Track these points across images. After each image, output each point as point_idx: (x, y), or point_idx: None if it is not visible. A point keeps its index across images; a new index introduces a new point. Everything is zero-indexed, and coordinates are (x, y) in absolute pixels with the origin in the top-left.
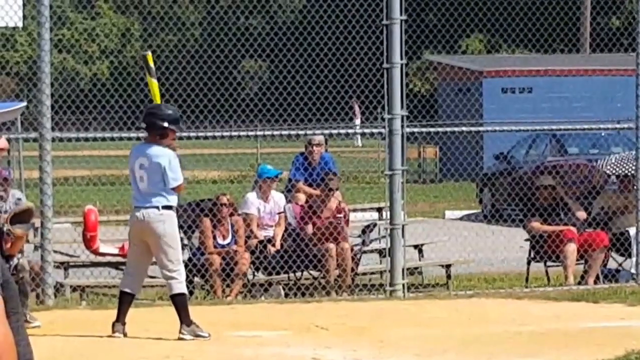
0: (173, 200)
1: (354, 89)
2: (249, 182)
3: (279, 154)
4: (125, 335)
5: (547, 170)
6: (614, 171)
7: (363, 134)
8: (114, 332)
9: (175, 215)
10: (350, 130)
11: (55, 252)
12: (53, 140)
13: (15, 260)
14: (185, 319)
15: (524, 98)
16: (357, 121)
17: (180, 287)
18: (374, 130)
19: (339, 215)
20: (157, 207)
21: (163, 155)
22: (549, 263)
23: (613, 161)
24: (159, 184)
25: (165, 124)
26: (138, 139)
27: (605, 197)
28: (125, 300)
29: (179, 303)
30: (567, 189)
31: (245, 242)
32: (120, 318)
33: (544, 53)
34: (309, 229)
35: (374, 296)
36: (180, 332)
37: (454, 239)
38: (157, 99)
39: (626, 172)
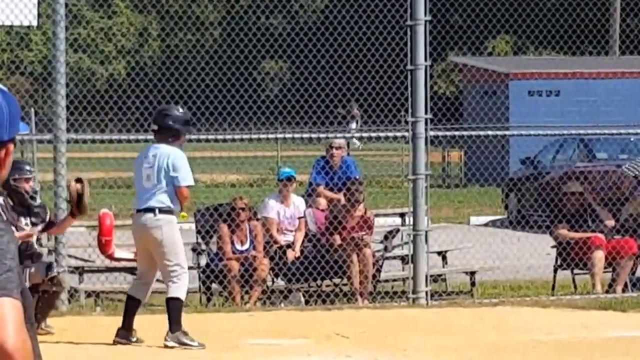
0: (175, 204)
1: (377, 90)
2: (268, 185)
3: (299, 157)
4: (138, 341)
5: (575, 176)
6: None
7: (386, 138)
8: (116, 338)
9: (174, 219)
10: (373, 134)
11: (69, 256)
12: (68, 142)
13: (54, 272)
14: (173, 325)
15: (551, 101)
16: (353, 125)
17: (177, 291)
18: (397, 134)
19: (364, 234)
20: (154, 211)
21: (173, 154)
22: (576, 271)
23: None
24: (164, 184)
25: (177, 126)
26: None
27: (634, 204)
28: (130, 306)
29: (173, 307)
30: (595, 195)
31: (265, 247)
32: (125, 324)
33: (572, 55)
34: (337, 240)
35: (396, 304)
36: (165, 338)
37: (479, 245)
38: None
39: None
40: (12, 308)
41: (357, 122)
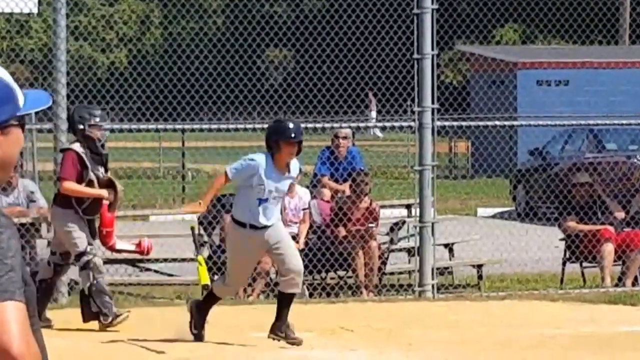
0: None
1: (382, 80)
2: None
3: (304, 147)
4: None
5: (584, 167)
6: None
7: (392, 128)
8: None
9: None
10: (379, 124)
11: None
12: (68, 131)
13: (85, 258)
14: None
15: (560, 91)
16: (373, 113)
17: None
18: (403, 124)
19: (371, 225)
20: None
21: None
22: (585, 264)
23: None
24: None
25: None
26: (157, 130)
27: None
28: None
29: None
30: (604, 187)
31: None
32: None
33: (581, 44)
34: (342, 232)
35: (402, 297)
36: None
37: (486, 237)
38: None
39: None
40: (15, 311)
41: (375, 110)
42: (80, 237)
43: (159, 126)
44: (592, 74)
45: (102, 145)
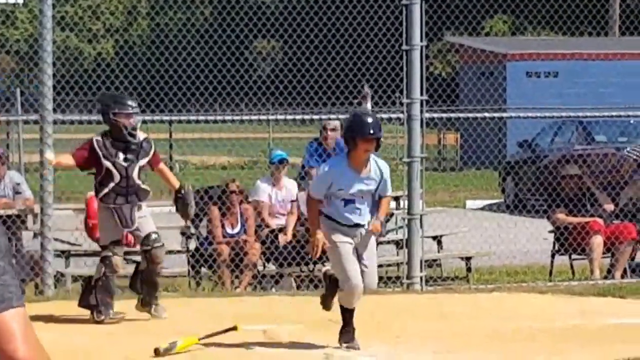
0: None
1: (371, 71)
2: (260, 168)
3: (292, 139)
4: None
5: (573, 159)
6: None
7: (381, 119)
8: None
9: None
10: None
11: (55, 240)
12: (55, 122)
13: (105, 253)
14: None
15: (550, 83)
16: (368, 105)
17: None
18: (392, 116)
19: None
20: None
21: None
22: (574, 256)
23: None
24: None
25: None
26: (144, 122)
27: (634, 188)
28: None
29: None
30: (594, 179)
31: (256, 231)
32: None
33: (571, 35)
34: None
35: (390, 289)
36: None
37: (475, 230)
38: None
39: None
40: (16, 318)
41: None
42: (104, 230)
43: (146, 117)
44: (582, 66)
45: (131, 134)
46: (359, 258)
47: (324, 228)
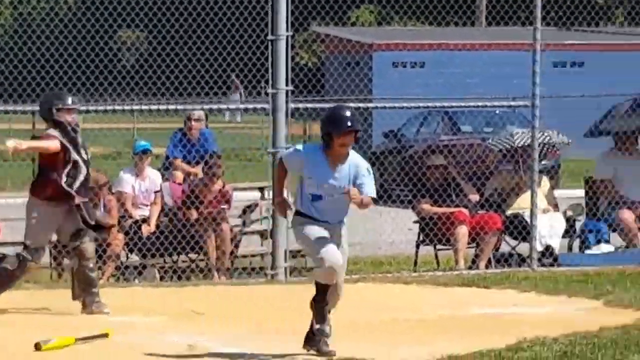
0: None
1: (236, 62)
2: (123, 159)
3: (156, 129)
4: None
5: (439, 150)
6: (501, 146)
7: (246, 110)
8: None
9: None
10: (232, 106)
11: None
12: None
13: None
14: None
15: (416, 73)
16: (237, 96)
17: None
18: (257, 106)
19: (223, 207)
20: None
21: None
22: (438, 246)
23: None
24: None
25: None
26: (6, 112)
27: (499, 178)
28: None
29: None
30: (459, 169)
31: (119, 222)
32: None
33: (438, 26)
34: (194, 214)
35: (254, 280)
36: None
37: None
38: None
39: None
40: None
41: (240, 94)
42: (39, 230)
43: (8, 108)
44: (448, 56)
45: (74, 130)
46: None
47: (294, 224)
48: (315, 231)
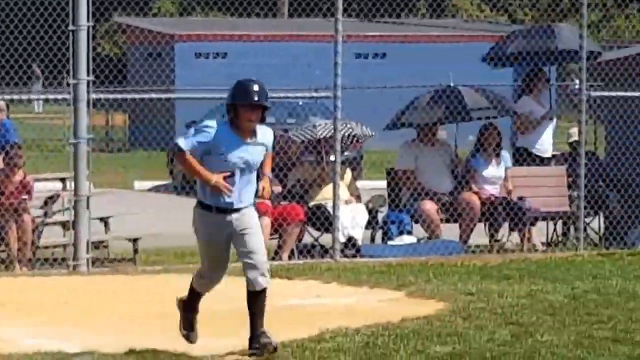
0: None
1: (37, 52)
2: None
3: None
4: None
5: None
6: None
7: (47, 100)
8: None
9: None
10: (33, 96)
11: None
12: None
13: None
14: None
15: (218, 64)
16: (39, 86)
17: None
18: (58, 96)
19: (24, 198)
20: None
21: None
22: None
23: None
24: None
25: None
26: None
27: (301, 169)
28: None
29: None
30: None
31: None
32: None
33: (239, 17)
34: None
35: (56, 271)
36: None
37: (143, 211)
38: None
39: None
40: None
41: (42, 83)
42: None
43: None
44: (250, 47)
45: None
46: (241, 254)
47: (195, 221)
48: (211, 252)
